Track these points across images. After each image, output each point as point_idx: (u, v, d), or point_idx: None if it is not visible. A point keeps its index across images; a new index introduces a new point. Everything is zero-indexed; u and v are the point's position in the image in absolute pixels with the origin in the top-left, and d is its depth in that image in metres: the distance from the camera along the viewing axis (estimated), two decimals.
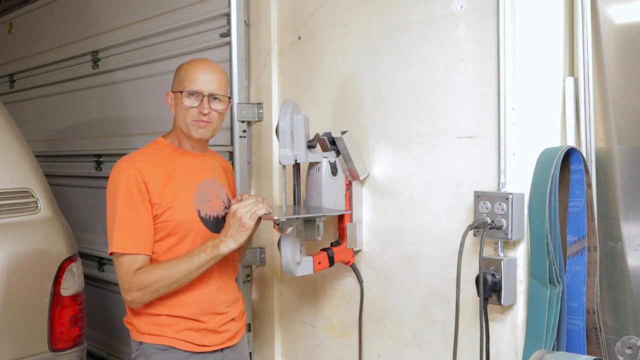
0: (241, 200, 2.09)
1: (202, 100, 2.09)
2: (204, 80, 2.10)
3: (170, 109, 2.17)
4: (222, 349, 2.17)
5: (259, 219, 2.07)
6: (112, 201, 2.05)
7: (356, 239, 2.39)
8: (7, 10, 4.93)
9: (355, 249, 2.41)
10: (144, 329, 2.10)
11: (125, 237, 2.01)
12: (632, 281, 1.97)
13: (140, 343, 2.11)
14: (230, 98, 2.21)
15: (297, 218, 2.22)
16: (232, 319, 2.20)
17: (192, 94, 2.09)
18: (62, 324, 2.80)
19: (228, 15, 2.84)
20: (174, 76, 2.19)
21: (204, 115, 2.09)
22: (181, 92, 2.09)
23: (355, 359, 2.46)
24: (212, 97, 2.10)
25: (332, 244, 2.37)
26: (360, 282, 2.42)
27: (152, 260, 2.06)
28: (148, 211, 2.04)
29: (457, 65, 2.08)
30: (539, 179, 1.92)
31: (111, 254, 2.05)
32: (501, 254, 1.98)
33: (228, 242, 2.01)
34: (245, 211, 2.00)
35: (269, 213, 2.04)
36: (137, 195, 2.02)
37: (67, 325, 2.82)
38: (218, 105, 2.13)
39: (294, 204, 2.32)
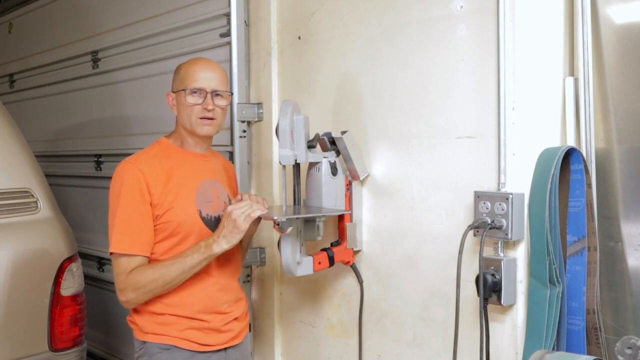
0: (241, 200, 2.10)
1: (205, 97, 2.10)
2: (205, 77, 2.12)
3: (172, 109, 2.18)
4: (225, 349, 2.17)
5: (259, 219, 2.08)
6: (114, 202, 2.06)
7: (356, 239, 2.39)
8: (7, 10, 4.93)
9: (355, 249, 2.41)
10: (147, 328, 2.11)
11: (124, 238, 2.02)
12: (632, 281, 1.97)
13: (144, 342, 2.11)
14: (231, 94, 2.23)
15: (297, 218, 2.22)
16: (235, 319, 2.21)
17: (195, 91, 2.10)
18: (62, 324, 2.80)
19: (228, 15, 2.84)
20: (173, 77, 2.20)
21: (209, 111, 2.10)
22: (184, 90, 2.10)
23: (355, 359, 2.46)
24: (215, 93, 2.12)
25: (332, 244, 2.37)
26: (360, 282, 2.42)
27: (153, 261, 2.07)
28: (148, 213, 2.04)
29: (457, 65, 2.08)
30: (539, 179, 1.92)
31: (111, 254, 2.05)
32: (501, 254, 1.98)
33: (221, 243, 2.02)
34: (240, 213, 2.01)
35: (266, 213, 2.04)
36: (138, 197, 2.03)
37: (67, 325, 2.82)
38: (221, 102, 2.14)
39: (294, 204, 2.32)
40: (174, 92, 2.17)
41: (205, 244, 2.03)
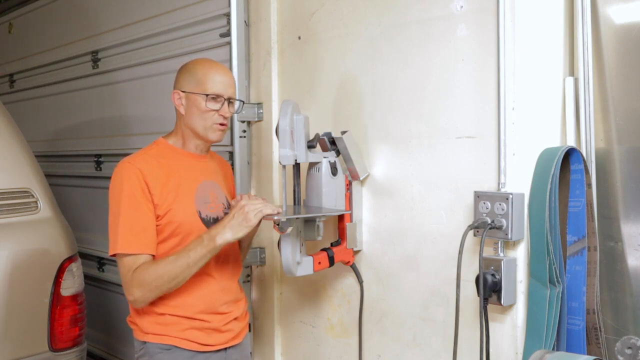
0: (241, 200, 2.09)
1: (222, 104, 2.10)
2: (223, 83, 2.12)
3: (178, 108, 2.14)
4: (225, 349, 2.17)
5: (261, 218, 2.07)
6: (115, 202, 2.05)
7: (356, 239, 2.39)
8: (7, 10, 4.93)
9: (355, 249, 2.41)
10: (147, 329, 2.10)
11: (130, 238, 2.01)
12: (632, 281, 1.97)
13: (144, 343, 2.11)
14: (242, 102, 2.25)
15: (297, 218, 2.22)
16: (235, 318, 2.21)
17: (214, 97, 2.09)
18: (62, 324, 2.81)
19: (228, 15, 2.84)
20: (183, 76, 2.14)
21: (225, 118, 2.11)
22: (205, 95, 2.08)
23: (355, 359, 2.46)
24: (229, 100, 2.12)
25: (332, 244, 2.37)
26: (360, 282, 2.42)
27: None
28: (151, 211, 2.04)
29: (457, 65, 2.08)
30: (539, 179, 1.92)
31: (114, 255, 2.04)
32: (501, 254, 1.98)
33: (225, 234, 1.99)
34: (253, 208, 1.99)
35: (278, 213, 2.03)
36: (140, 196, 2.02)
37: (67, 325, 2.82)
38: (232, 109, 2.16)
39: (294, 204, 2.32)
40: (183, 92, 2.12)
41: (208, 237, 2.00)
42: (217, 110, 2.10)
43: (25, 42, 4.73)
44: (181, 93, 2.13)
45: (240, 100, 2.22)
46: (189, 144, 2.18)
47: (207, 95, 2.09)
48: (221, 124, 2.12)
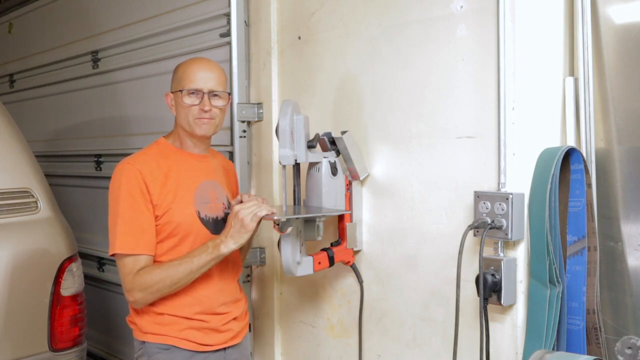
0: (241, 201, 2.10)
1: (202, 98, 2.10)
2: (203, 77, 2.12)
3: (171, 109, 2.18)
4: (224, 348, 2.17)
5: (260, 220, 2.07)
6: (114, 202, 2.06)
7: (356, 239, 2.39)
8: (7, 10, 4.94)
9: (355, 249, 2.41)
10: (146, 329, 2.10)
11: (128, 238, 2.01)
12: (632, 281, 1.97)
13: (143, 342, 2.11)
14: (230, 94, 2.23)
15: (297, 218, 2.22)
16: (234, 318, 2.21)
17: (192, 92, 2.10)
18: (62, 324, 2.81)
19: (228, 15, 2.84)
20: (172, 77, 2.20)
21: (205, 112, 2.10)
22: (181, 91, 2.10)
23: (355, 359, 2.46)
24: (212, 94, 2.12)
25: (332, 244, 2.37)
26: (360, 282, 2.42)
27: (154, 261, 2.07)
28: (150, 212, 2.04)
29: (457, 65, 2.08)
30: (539, 179, 1.92)
31: (113, 255, 2.05)
32: (501, 254, 1.98)
33: (228, 243, 2.02)
34: (247, 212, 2.01)
35: (272, 214, 2.04)
36: (139, 197, 2.03)
37: (67, 325, 2.82)
38: (218, 102, 2.14)
39: (294, 204, 2.32)
40: (172, 93, 2.17)
41: (212, 245, 2.03)
42: (197, 105, 2.10)
43: (25, 42, 4.73)
44: (171, 94, 2.18)
45: (227, 92, 2.19)
46: (185, 143, 2.19)
47: (182, 91, 2.10)
48: (203, 118, 2.11)
